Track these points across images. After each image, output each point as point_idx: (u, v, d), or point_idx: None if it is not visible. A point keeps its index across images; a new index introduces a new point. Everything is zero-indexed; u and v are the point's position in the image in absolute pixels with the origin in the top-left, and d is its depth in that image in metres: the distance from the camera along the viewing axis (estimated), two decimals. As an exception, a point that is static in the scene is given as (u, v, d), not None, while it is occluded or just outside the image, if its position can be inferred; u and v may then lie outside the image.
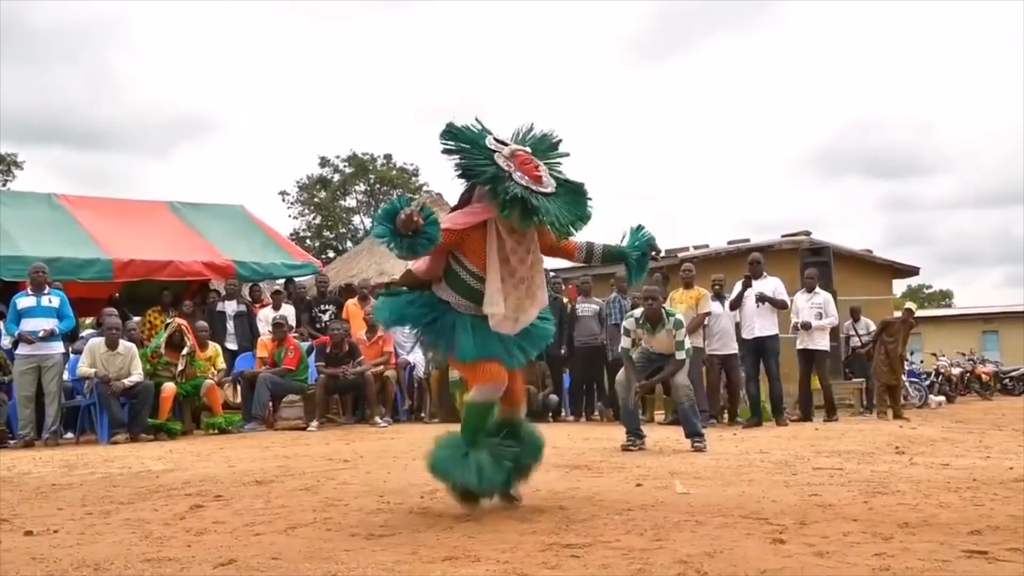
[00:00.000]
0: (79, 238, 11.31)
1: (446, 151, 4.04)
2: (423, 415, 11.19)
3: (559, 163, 4.34)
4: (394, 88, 71.54)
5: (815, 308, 10.49)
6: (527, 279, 4.13)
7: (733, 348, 10.28)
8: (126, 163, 67.55)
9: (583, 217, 4.17)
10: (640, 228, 4.62)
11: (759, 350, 9.97)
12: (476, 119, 4.15)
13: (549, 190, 4.06)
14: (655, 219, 76.50)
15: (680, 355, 7.15)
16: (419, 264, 4.18)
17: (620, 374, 7.38)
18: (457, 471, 4.05)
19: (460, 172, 4.06)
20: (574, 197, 4.18)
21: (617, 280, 10.78)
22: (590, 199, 4.22)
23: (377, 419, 10.16)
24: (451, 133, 4.04)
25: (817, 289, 10.73)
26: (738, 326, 10.32)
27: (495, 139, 4.12)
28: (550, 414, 10.90)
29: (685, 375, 7.37)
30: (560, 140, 4.42)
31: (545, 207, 3.97)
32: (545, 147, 4.34)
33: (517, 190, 3.91)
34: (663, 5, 79.28)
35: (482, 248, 4.05)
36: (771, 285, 10.10)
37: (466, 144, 4.03)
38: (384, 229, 3.85)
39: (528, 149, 4.18)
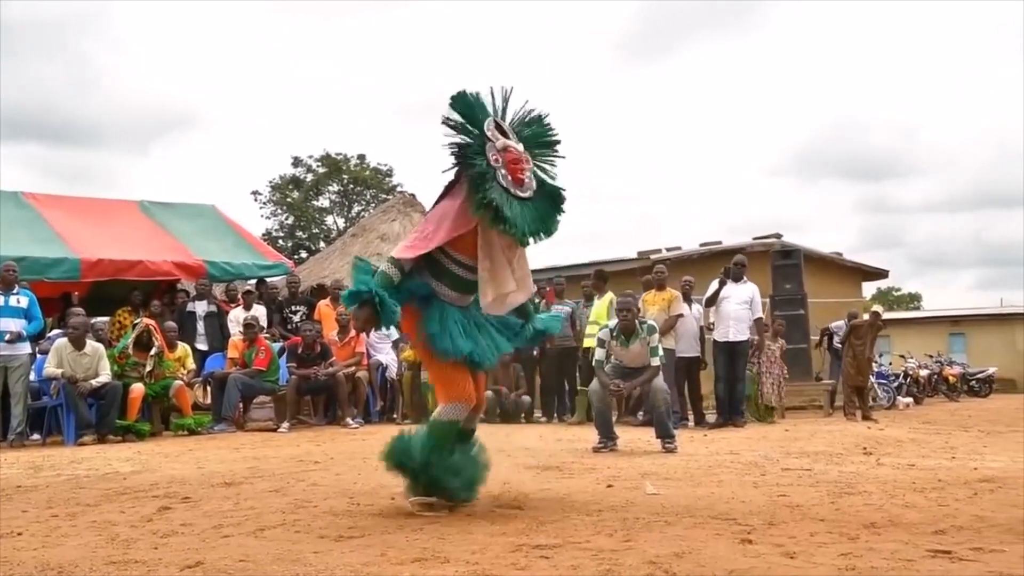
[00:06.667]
0: (47, 237, 11.16)
1: (446, 122, 4.04)
2: (395, 416, 11.17)
3: (551, 162, 4.34)
4: (369, 88, 71.45)
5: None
6: (515, 268, 4.20)
7: (697, 351, 10.35)
8: (100, 160, 67.01)
9: (547, 231, 4.16)
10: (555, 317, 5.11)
11: (731, 353, 10.03)
12: (492, 92, 4.14)
13: (527, 195, 4.07)
14: (636, 220, 76.86)
15: (655, 361, 7.20)
16: (405, 253, 4.11)
17: (594, 383, 7.41)
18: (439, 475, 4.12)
19: (453, 153, 4.06)
20: (548, 205, 4.17)
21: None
22: (562, 211, 4.22)
23: (349, 420, 10.12)
24: (458, 105, 4.05)
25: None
26: (709, 326, 10.39)
27: (495, 123, 4.12)
28: (523, 415, 10.92)
29: (663, 380, 7.44)
30: (559, 140, 4.40)
31: (514, 218, 3.96)
32: (541, 142, 4.34)
33: (494, 195, 3.92)
34: (644, 7, 79.77)
35: (472, 241, 4.10)
36: (748, 291, 10.12)
37: (467, 123, 4.04)
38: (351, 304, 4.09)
39: (521, 148, 4.17)
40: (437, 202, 4.24)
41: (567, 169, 4.37)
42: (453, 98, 4.05)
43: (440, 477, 4.14)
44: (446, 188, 4.20)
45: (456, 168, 4.11)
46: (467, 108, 4.06)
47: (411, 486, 4.22)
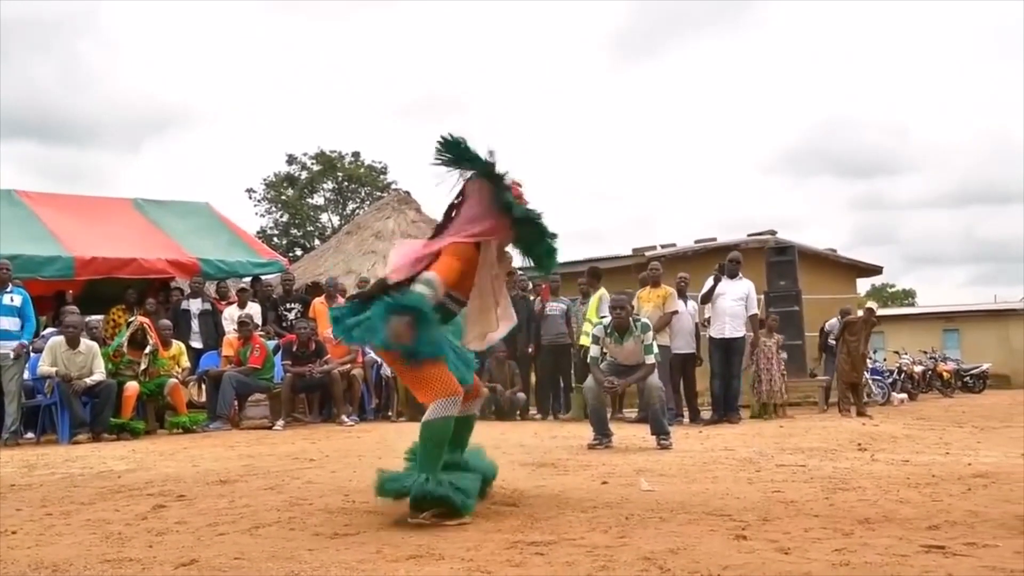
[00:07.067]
0: (40, 235, 11.12)
1: (463, 162, 4.08)
2: (390, 413, 11.16)
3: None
4: (363, 85, 71.33)
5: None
6: (499, 299, 4.22)
7: (692, 347, 10.36)
8: (95, 158, 66.91)
9: (554, 263, 4.28)
10: None
11: (727, 349, 10.06)
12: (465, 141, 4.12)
13: None
14: (632, 218, 77.02)
15: (650, 359, 7.20)
16: (395, 276, 4.06)
17: (589, 379, 7.41)
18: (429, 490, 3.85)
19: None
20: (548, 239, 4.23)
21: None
22: (556, 244, 4.26)
23: (344, 418, 10.11)
24: (449, 147, 4.07)
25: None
26: (705, 321, 10.41)
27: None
28: (518, 412, 10.92)
29: (658, 377, 7.45)
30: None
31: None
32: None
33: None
34: (639, 6, 79.82)
35: (464, 280, 4.06)
36: (743, 288, 10.15)
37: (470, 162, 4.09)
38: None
39: (520, 182, 4.18)
40: (441, 227, 4.20)
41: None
42: (442, 141, 4.06)
43: (441, 494, 3.84)
44: (447, 215, 4.21)
45: (453, 200, 4.14)
46: (458, 150, 4.08)
47: (414, 510, 3.88)
